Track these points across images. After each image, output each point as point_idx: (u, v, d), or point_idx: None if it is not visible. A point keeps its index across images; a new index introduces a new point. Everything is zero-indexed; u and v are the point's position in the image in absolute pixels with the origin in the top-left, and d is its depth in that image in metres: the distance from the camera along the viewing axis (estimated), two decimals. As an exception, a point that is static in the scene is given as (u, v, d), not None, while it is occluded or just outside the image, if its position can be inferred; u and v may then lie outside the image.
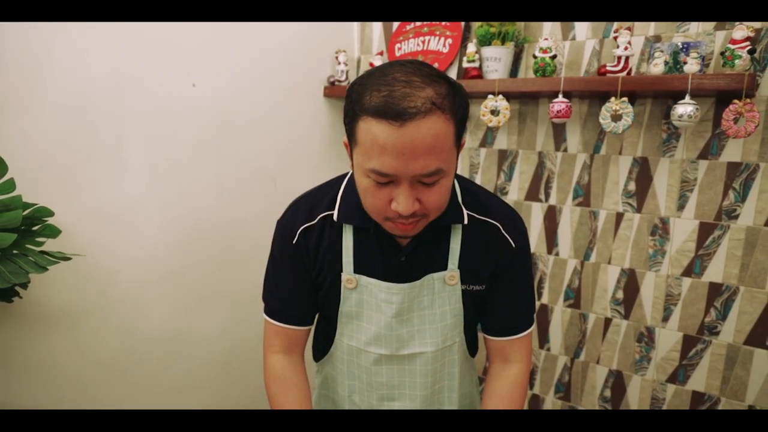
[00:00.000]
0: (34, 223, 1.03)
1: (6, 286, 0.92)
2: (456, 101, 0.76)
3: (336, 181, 0.99)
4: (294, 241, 0.95)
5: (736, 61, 1.26)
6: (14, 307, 1.16)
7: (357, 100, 0.76)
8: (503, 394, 0.99)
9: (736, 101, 1.27)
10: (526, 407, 1.86)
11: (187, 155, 1.50)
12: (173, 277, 1.51)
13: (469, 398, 1.11)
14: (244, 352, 1.74)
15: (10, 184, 0.96)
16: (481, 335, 1.06)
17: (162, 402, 1.54)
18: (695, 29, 1.42)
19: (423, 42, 1.80)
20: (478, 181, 1.83)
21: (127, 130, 1.35)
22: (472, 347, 1.08)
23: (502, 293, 0.98)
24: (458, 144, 0.80)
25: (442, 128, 0.73)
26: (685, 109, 1.31)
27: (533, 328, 1.02)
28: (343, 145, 2.12)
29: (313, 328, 1.09)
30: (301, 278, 0.98)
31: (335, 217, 0.93)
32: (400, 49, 1.86)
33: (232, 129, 1.61)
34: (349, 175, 0.97)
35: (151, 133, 1.41)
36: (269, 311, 1.01)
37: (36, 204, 1.02)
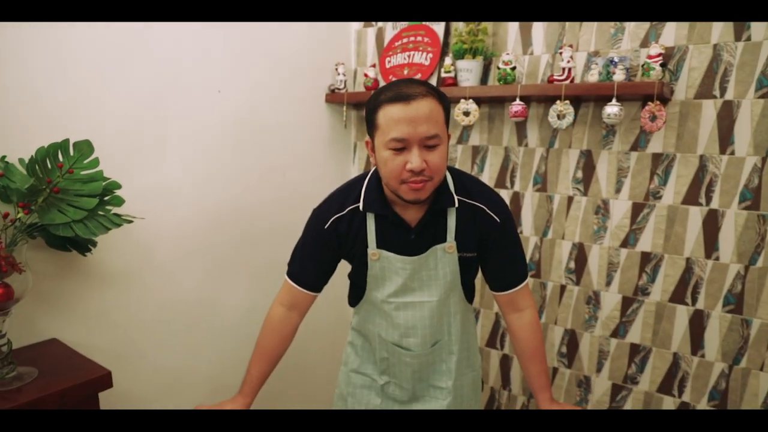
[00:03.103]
0: (105, 194, 1.35)
1: (90, 236, 1.24)
2: (442, 96, 1.13)
3: (359, 180, 1.31)
4: (326, 227, 1.29)
5: (651, 72, 1.60)
6: (85, 262, 1.48)
7: (375, 99, 1.12)
8: (528, 338, 1.32)
9: (650, 103, 1.61)
10: (497, 368, 2.17)
11: (213, 150, 1.83)
12: (201, 251, 1.83)
13: (466, 334, 1.41)
14: (259, 315, 2.04)
15: (96, 162, 1.29)
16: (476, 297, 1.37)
17: (194, 353, 1.85)
18: (626, 46, 1.75)
19: (408, 56, 2.14)
20: (456, 173, 2.16)
21: (167, 128, 1.68)
22: (469, 295, 1.40)
23: (499, 257, 1.29)
24: (447, 125, 1.14)
25: (435, 106, 1.10)
26: (612, 109, 1.65)
27: (529, 280, 1.34)
28: (340, 147, 2.49)
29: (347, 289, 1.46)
30: (323, 255, 1.33)
31: (361, 208, 1.26)
32: (389, 61, 2.20)
33: (249, 129, 1.94)
34: (369, 175, 1.30)
35: (186, 131, 1.74)
36: (290, 273, 1.36)
37: (109, 179, 1.35)
